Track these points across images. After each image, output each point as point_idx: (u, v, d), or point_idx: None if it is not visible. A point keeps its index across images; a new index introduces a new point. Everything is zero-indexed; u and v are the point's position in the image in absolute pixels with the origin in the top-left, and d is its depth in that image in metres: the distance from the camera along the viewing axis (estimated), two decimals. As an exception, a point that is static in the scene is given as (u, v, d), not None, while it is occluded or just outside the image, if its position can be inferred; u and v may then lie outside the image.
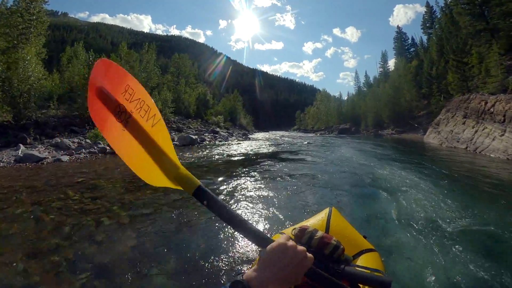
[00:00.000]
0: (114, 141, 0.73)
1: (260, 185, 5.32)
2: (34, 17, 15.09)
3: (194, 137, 13.85)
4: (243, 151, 11.01)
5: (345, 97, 67.23)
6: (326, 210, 1.31)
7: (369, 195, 4.80)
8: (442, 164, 8.41)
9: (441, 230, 3.05)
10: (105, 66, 0.73)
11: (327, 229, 1.16)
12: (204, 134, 17.60)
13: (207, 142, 14.78)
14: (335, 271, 0.70)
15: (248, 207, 3.95)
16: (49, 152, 10.61)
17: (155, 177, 0.67)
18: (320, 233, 0.81)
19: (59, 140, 11.79)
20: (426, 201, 4.12)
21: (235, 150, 11.18)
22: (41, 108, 16.04)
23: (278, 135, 34.58)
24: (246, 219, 0.58)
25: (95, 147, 11.11)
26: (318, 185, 5.38)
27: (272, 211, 3.74)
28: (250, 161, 8.59)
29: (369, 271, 0.85)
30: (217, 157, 9.31)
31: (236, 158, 9.08)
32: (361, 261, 1.01)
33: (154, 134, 0.67)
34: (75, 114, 17.19)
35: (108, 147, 11.03)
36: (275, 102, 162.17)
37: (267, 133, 46.09)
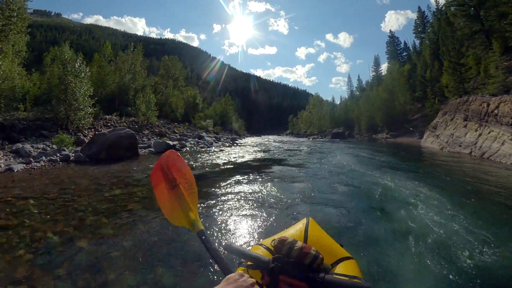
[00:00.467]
0: (160, 195, 1.11)
1: (229, 203, 4.25)
2: (15, 13, 13.96)
3: (171, 143, 12.44)
4: (222, 160, 9.63)
5: (337, 102, 66.78)
6: (304, 220, 1.34)
7: (375, 211, 4.00)
8: (450, 172, 7.25)
9: (456, 260, 2.41)
10: (172, 154, 1.18)
11: (305, 239, 1.18)
12: (187, 140, 16.20)
13: (187, 148, 13.40)
14: (316, 280, 0.74)
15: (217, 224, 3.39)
16: (6, 160, 9.14)
17: (177, 220, 1.05)
18: (299, 244, 0.85)
19: (20, 146, 10.32)
20: (440, 219, 3.41)
21: (212, 159, 9.77)
22: (12, 110, 14.63)
23: (269, 139, 33.28)
24: (222, 256, 0.85)
25: (58, 155, 9.67)
26: (300, 202, 4.26)
27: (247, 224, 3.41)
28: (224, 174, 7.26)
29: (348, 278, 0.89)
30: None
31: (207, 170, 7.75)
32: (339, 269, 1.02)
33: (188, 197, 1.07)
34: (48, 117, 15.69)
35: (72, 155, 9.69)
36: (268, 106, 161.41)
37: (259, 137, 44.72)
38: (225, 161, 9.32)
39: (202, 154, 11.36)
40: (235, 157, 10.40)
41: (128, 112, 23.55)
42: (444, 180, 6.12)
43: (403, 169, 7.83)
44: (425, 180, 5.88)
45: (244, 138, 34.42)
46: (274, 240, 0.91)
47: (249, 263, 0.93)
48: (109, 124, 18.95)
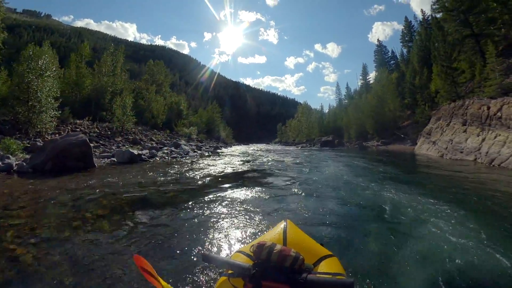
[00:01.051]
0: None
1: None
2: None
3: (136, 152, 10.66)
4: (193, 173, 7.93)
5: (326, 110, 66.39)
6: (282, 223, 1.33)
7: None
8: (471, 186, 5.88)
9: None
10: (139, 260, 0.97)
11: (284, 242, 1.16)
12: (161, 149, 14.41)
13: (157, 159, 11.63)
14: (298, 281, 0.73)
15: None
16: None
17: None
18: (278, 247, 0.84)
19: (-41, 153, 8.45)
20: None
21: (181, 173, 8.04)
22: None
23: (256, 148, 31.62)
24: None
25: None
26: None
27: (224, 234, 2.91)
28: (188, 192, 5.66)
29: (331, 276, 0.90)
30: (135, 188, 6.16)
31: (163, 188, 6.09)
32: (321, 267, 1.01)
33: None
34: (7, 119, 13.82)
35: (16, 164, 7.97)
36: (257, 115, 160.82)
37: (246, 146, 42.97)
38: (189, 175, 7.67)
39: (169, 166, 9.61)
40: (206, 169, 8.71)
41: (103, 117, 21.64)
42: (466, 195, 4.72)
43: (410, 181, 6.43)
44: (445, 196, 4.45)
45: (230, 147, 32.67)
46: (253, 245, 0.89)
47: (230, 271, 0.90)
48: (79, 130, 17.07)
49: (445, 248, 2.48)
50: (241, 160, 11.97)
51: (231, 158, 12.90)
